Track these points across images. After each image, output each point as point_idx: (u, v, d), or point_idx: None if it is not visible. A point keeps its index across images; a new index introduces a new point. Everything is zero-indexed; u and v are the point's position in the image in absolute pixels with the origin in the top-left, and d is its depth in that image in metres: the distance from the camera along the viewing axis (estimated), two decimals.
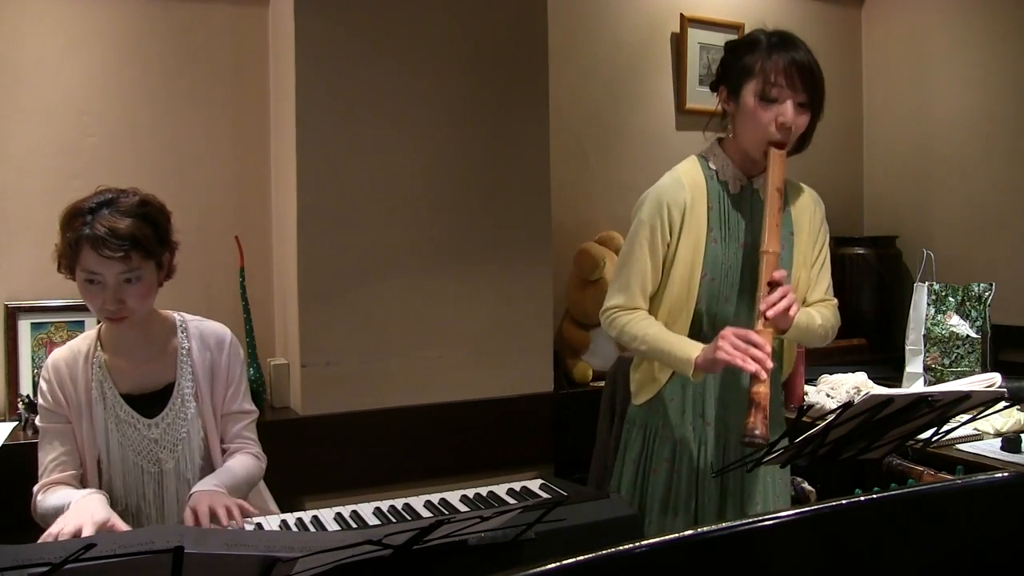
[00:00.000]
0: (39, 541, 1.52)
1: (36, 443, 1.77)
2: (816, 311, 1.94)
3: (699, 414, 1.90)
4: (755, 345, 1.67)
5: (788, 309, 1.70)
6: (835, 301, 2.01)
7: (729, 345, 1.69)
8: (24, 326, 2.42)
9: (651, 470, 1.92)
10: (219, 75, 2.68)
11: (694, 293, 1.86)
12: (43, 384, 1.74)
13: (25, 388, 2.39)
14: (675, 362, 1.81)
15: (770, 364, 1.67)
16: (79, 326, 2.43)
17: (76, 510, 1.57)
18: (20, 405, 2.30)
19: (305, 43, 2.41)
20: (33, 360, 2.41)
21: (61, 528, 1.51)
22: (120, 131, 2.56)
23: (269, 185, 2.75)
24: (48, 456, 1.73)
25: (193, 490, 1.67)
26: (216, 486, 1.67)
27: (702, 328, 1.87)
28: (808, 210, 1.97)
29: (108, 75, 2.54)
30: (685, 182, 1.88)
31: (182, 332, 1.81)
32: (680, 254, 1.86)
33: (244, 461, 1.81)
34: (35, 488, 1.72)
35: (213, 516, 1.58)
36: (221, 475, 1.74)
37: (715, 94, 1.93)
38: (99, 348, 1.76)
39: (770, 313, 1.69)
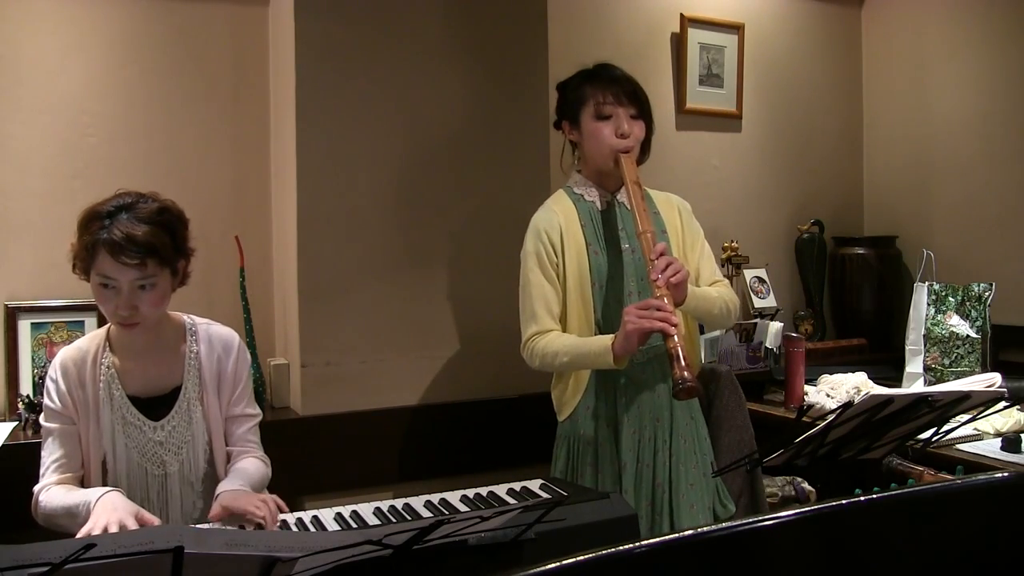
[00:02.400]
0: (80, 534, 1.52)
1: (37, 443, 1.77)
2: (712, 288, 2.11)
3: (612, 416, 2.04)
4: (657, 308, 1.83)
5: (677, 273, 1.86)
6: (725, 280, 2.19)
7: (634, 316, 1.85)
8: (24, 326, 2.41)
9: (577, 476, 2.07)
10: (219, 75, 2.67)
11: (590, 303, 2.03)
12: (50, 384, 1.74)
13: (25, 388, 2.38)
14: (595, 358, 1.95)
15: (675, 319, 1.82)
16: (79, 326, 2.43)
17: (106, 506, 1.56)
18: (20, 405, 2.29)
19: (305, 43, 2.41)
20: (33, 360, 2.41)
21: (103, 527, 1.50)
22: (120, 131, 2.55)
23: (269, 185, 2.75)
24: (51, 456, 1.73)
25: (220, 490, 1.68)
26: (241, 486, 1.69)
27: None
28: (673, 209, 2.17)
29: (108, 75, 2.54)
30: (556, 209, 2.09)
31: (191, 336, 1.82)
32: (568, 269, 2.03)
33: (254, 464, 1.82)
34: (36, 488, 1.71)
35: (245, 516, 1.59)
36: (240, 477, 1.74)
37: (559, 131, 2.16)
38: (107, 349, 1.77)
39: (660, 280, 1.85)
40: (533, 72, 2.70)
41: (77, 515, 1.60)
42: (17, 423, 2.28)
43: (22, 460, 1.86)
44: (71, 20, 2.49)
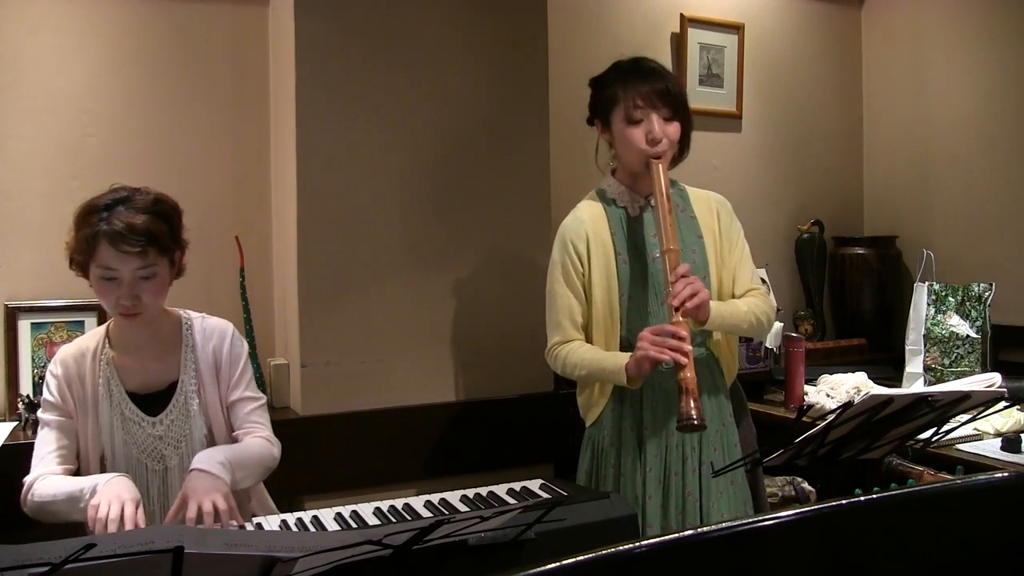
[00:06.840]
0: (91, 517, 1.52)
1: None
2: (742, 300, 2.02)
3: (637, 421, 1.99)
4: (672, 335, 1.76)
5: (694, 296, 1.79)
6: (762, 288, 2.09)
7: (647, 342, 1.79)
8: (24, 326, 2.41)
9: (601, 477, 2.03)
10: (219, 75, 2.67)
11: (616, 314, 1.97)
12: (50, 379, 1.75)
13: (25, 388, 2.38)
14: (609, 375, 1.93)
15: (687, 348, 1.76)
16: (79, 326, 2.43)
17: (113, 487, 1.56)
18: (20, 405, 2.29)
19: (305, 43, 2.41)
20: (33, 360, 2.41)
21: (108, 509, 1.51)
22: (120, 131, 2.55)
23: (269, 185, 2.75)
24: (46, 448, 1.73)
25: (194, 465, 1.64)
26: (221, 463, 1.64)
27: (631, 348, 1.94)
28: (711, 211, 2.08)
29: (108, 75, 2.54)
30: (584, 216, 2.03)
31: (187, 329, 1.83)
32: (595, 279, 1.98)
33: (255, 441, 1.80)
34: (28, 479, 1.70)
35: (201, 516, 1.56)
36: (229, 450, 1.71)
37: (592, 127, 2.09)
38: (107, 345, 1.78)
39: (675, 303, 1.79)
40: (533, 72, 2.70)
41: (79, 499, 1.58)
42: (17, 423, 2.28)
43: (22, 460, 1.86)
44: (71, 20, 2.49)
